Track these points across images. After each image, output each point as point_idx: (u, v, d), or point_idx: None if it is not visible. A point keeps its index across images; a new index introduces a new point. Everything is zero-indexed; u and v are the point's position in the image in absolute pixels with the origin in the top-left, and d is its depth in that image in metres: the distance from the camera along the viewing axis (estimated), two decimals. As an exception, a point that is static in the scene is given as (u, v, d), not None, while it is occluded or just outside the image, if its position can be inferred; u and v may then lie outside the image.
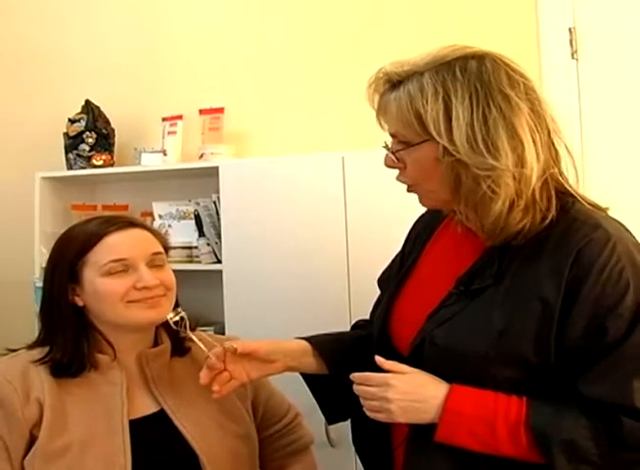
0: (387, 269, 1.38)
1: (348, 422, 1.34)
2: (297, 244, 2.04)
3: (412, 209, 1.31)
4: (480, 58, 1.05)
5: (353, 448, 1.34)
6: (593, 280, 0.98)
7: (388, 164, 1.13)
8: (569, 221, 1.03)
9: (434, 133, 1.02)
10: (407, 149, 1.08)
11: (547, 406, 1.00)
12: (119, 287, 1.20)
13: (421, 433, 1.06)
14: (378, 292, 1.37)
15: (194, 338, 1.24)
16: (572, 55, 2.11)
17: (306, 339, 1.29)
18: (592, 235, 1.00)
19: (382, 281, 1.37)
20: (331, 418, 1.34)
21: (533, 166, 1.01)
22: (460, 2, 2.23)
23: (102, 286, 1.21)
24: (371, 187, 1.96)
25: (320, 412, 1.34)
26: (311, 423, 1.49)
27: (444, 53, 1.06)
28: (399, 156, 1.10)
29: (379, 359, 1.09)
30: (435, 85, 1.02)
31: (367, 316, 1.42)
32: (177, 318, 1.23)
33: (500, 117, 1.01)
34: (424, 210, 1.31)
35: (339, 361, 1.27)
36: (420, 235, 1.29)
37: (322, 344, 1.29)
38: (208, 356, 1.20)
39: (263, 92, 2.48)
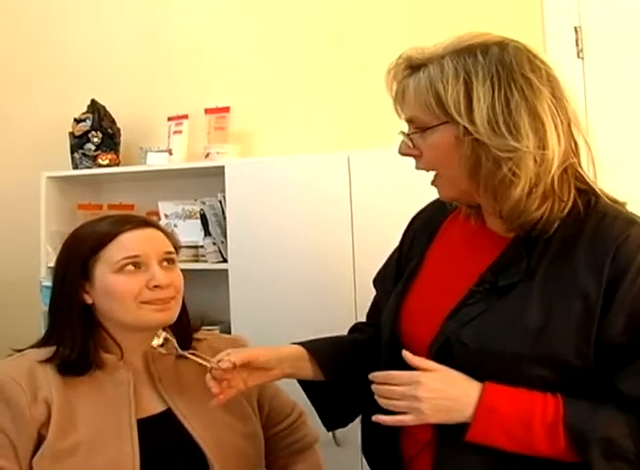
0: (382, 269, 1.35)
1: (355, 421, 1.34)
2: (302, 243, 2.04)
3: (418, 208, 1.31)
4: (502, 44, 1.04)
5: (359, 447, 1.33)
6: (633, 276, 0.97)
7: (403, 152, 1.11)
8: (598, 217, 1.03)
9: (455, 114, 1.01)
10: (424, 132, 1.06)
11: (584, 404, 0.98)
12: (133, 285, 1.20)
13: (449, 434, 1.02)
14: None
15: (188, 356, 1.22)
16: (578, 54, 2.11)
17: (302, 344, 1.25)
18: (629, 231, 1.00)
19: (377, 281, 1.35)
20: (329, 425, 1.32)
21: (555, 149, 1.00)
22: (465, 1, 2.22)
23: (115, 284, 1.21)
24: (376, 186, 1.96)
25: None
26: (316, 421, 1.49)
27: (465, 38, 1.05)
28: (415, 142, 1.08)
29: (407, 354, 1.04)
30: (457, 67, 1.02)
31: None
32: (161, 341, 1.23)
33: (522, 100, 1.00)
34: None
35: (334, 367, 1.24)
36: (420, 233, 1.27)
37: (317, 349, 1.24)
38: (212, 368, 1.16)
39: (269, 91, 2.48)
